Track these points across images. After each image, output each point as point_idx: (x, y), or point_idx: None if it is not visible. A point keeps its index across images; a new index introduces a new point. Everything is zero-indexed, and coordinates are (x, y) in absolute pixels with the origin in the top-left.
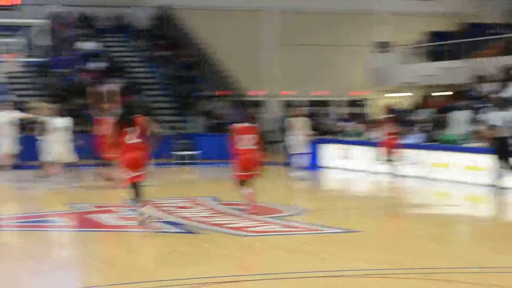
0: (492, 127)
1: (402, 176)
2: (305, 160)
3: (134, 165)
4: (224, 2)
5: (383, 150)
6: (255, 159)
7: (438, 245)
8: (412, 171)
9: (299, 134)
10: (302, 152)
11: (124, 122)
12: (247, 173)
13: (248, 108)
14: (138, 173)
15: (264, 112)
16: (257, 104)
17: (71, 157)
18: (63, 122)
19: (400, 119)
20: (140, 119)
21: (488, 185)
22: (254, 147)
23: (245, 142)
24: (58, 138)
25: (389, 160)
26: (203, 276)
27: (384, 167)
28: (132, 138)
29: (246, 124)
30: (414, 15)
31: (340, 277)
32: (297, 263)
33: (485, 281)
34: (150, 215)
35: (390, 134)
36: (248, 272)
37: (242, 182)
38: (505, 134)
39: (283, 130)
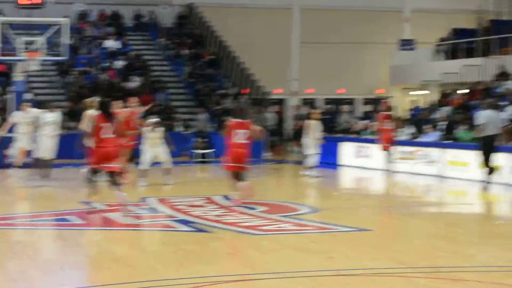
0: (480, 125)
1: (396, 172)
2: (317, 160)
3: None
4: (247, 0)
5: (381, 146)
6: (246, 153)
7: (449, 243)
8: (429, 169)
9: (314, 135)
10: (315, 152)
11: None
12: (235, 165)
13: (251, 105)
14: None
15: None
16: (278, 102)
17: (50, 154)
18: (52, 117)
19: (395, 116)
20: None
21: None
22: (246, 141)
23: (239, 136)
24: (47, 133)
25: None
26: (211, 275)
27: (401, 166)
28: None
29: (239, 120)
30: (437, 12)
31: (350, 276)
32: (306, 262)
33: (492, 279)
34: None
35: (387, 130)
36: (256, 271)
37: (233, 174)
38: (490, 132)
39: (300, 130)
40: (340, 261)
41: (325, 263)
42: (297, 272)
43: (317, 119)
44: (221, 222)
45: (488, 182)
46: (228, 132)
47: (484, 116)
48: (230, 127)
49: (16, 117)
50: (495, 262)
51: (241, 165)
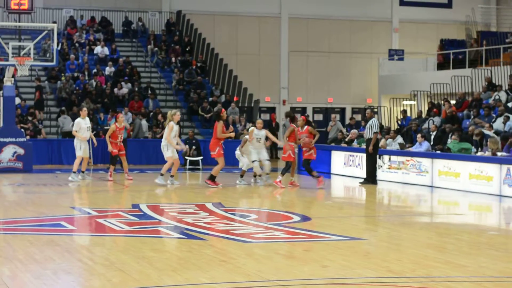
0: None
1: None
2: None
3: None
4: (236, 8)
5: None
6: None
7: (441, 253)
8: (419, 179)
9: (254, 143)
10: (256, 159)
11: None
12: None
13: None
14: None
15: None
16: (267, 110)
17: None
18: None
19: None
20: None
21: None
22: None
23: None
24: None
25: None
26: (204, 282)
27: (391, 175)
28: None
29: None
30: (427, 23)
31: (344, 284)
32: (300, 270)
33: None
34: None
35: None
36: (250, 279)
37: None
38: None
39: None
40: (334, 269)
41: (318, 272)
42: (290, 280)
43: (260, 127)
44: (213, 230)
45: None
46: (291, 134)
47: None
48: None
49: None
50: (488, 273)
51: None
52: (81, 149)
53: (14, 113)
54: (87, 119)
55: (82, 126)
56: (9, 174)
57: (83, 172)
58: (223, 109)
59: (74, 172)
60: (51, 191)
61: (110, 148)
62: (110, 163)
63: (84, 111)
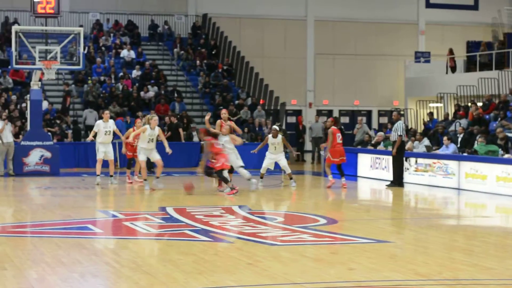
0: None
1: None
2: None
3: None
4: (262, 11)
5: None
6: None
7: (468, 256)
8: (445, 181)
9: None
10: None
11: None
12: (340, 158)
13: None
14: None
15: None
16: (294, 113)
17: None
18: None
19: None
20: None
21: None
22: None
23: (338, 139)
24: None
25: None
26: (231, 285)
27: (418, 178)
28: None
29: (337, 127)
30: (453, 25)
31: (369, 287)
32: (326, 273)
33: None
34: None
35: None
36: (276, 282)
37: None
38: None
39: (318, 140)
40: (360, 272)
41: (345, 274)
42: (317, 283)
43: (275, 135)
44: (239, 233)
45: None
46: (333, 136)
47: None
48: (334, 132)
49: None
50: None
51: (343, 158)
52: (100, 152)
53: (41, 117)
54: (110, 122)
55: (101, 129)
56: (37, 178)
57: (111, 176)
58: (225, 110)
59: (98, 175)
60: (78, 194)
61: (124, 150)
62: (127, 166)
63: (106, 114)
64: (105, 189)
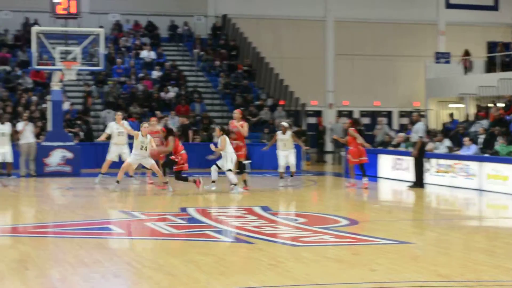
0: None
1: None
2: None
3: None
4: (281, 12)
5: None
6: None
7: (491, 257)
8: (467, 182)
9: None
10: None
11: None
12: (361, 159)
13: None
14: None
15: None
16: (314, 114)
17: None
18: (2, 129)
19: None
20: None
21: None
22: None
23: (359, 139)
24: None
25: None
26: (253, 286)
27: (439, 179)
28: None
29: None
30: (474, 25)
31: None
32: (348, 274)
33: None
34: None
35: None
36: (298, 282)
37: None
38: None
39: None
40: (382, 273)
41: (367, 276)
42: (339, 284)
43: (284, 132)
44: (261, 233)
45: None
46: (353, 137)
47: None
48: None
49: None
50: None
51: (362, 158)
52: (111, 152)
53: (62, 117)
54: (124, 124)
55: (113, 130)
56: (58, 178)
57: (131, 176)
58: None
59: (102, 174)
60: (99, 195)
61: None
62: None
63: (118, 115)
64: (126, 189)
